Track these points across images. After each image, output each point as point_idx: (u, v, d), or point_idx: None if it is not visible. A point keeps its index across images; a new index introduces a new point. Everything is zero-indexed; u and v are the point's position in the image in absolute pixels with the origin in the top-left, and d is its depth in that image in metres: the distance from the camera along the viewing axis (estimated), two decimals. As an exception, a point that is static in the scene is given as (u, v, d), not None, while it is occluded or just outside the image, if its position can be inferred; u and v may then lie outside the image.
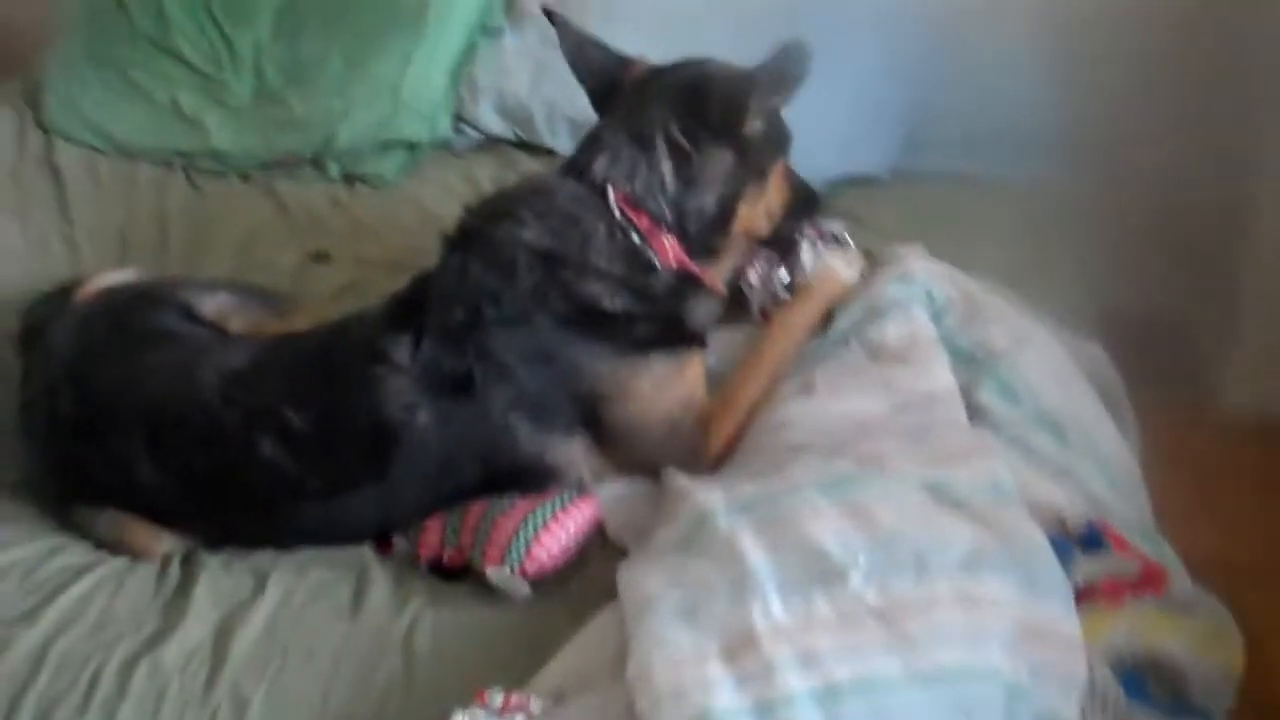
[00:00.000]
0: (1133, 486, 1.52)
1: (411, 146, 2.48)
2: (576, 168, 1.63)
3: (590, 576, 1.48)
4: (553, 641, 1.34)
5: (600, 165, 1.61)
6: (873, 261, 1.75)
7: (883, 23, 2.32)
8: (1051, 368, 1.58)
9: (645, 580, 1.28)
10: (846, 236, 1.79)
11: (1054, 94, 2.36)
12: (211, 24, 2.56)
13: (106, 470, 1.64)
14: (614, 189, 1.59)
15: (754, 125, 1.62)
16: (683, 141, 1.60)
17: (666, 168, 1.60)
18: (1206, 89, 2.33)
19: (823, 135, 2.14)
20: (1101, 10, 2.35)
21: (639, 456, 1.60)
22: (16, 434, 1.76)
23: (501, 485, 1.57)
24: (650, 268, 1.59)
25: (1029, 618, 1.14)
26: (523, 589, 1.49)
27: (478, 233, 1.62)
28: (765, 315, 1.75)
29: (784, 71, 1.60)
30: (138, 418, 1.62)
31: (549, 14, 1.78)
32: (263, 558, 1.60)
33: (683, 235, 1.62)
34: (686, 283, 1.63)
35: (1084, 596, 1.25)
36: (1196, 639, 1.26)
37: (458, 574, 1.54)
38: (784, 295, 1.74)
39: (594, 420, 1.58)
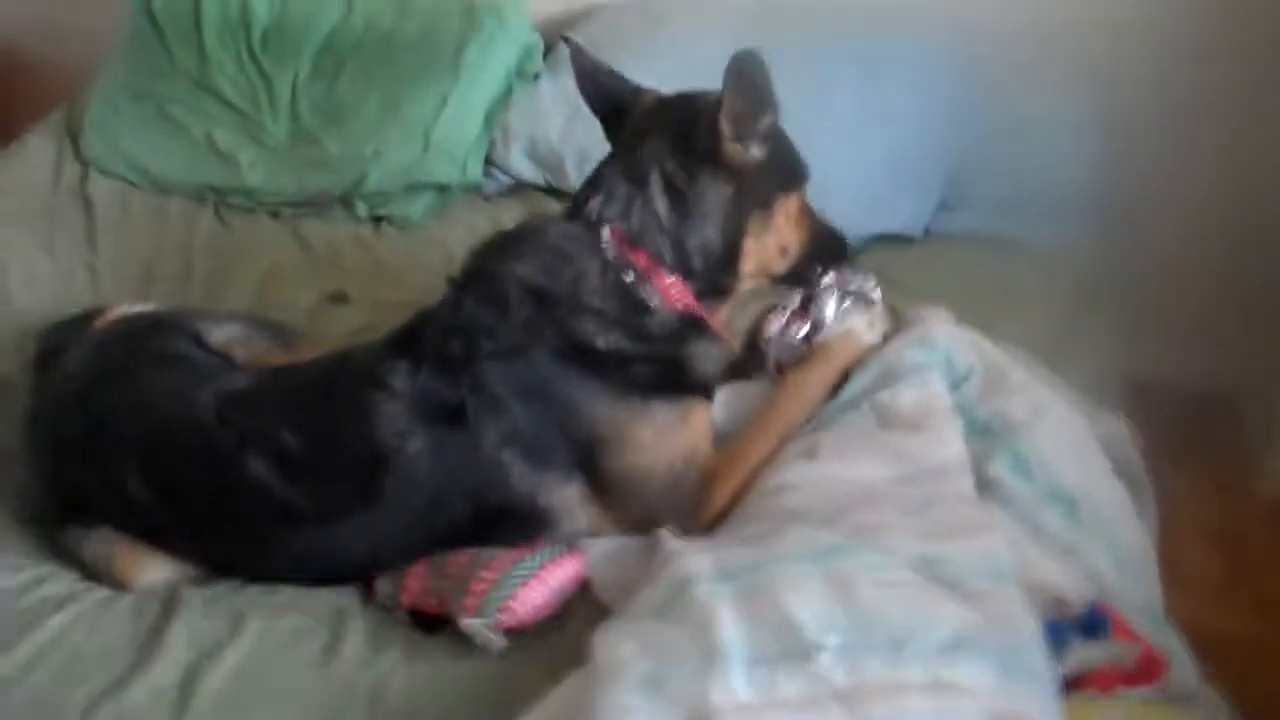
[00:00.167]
0: (1142, 567, 1.45)
1: (441, 189, 2.48)
2: (575, 206, 1.63)
3: (570, 633, 1.43)
4: (524, 699, 1.28)
5: (595, 204, 1.59)
6: (897, 320, 1.69)
7: (922, 83, 2.31)
8: (1068, 441, 1.51)
9: (619, 646, 1.23)
10: (877, 293, 1.73)
11: (1095, 156, 2.31)
12: (252, 63, 2.59)
13: (103, 488, 1.63)
14: (609, 227, 1.57)
15: (750, 152, 1.58)
16: (676, 175, 1.57)
17: (661, 204, 1.58)
18: (1253, 155, 2.28)
19: (858, 192, 2.15)
20: (1143, 76, 2.32)
21: (637, 508, 1.55)
22: (22, 455, 1.75)
23: (494, 525, 1.54)
24: (645, 308, 1.56)
25: (1002, 708, 1.07)
26: (498, 641, 1.45)
27: (477, 270, 1.62)
28: (780, 370, 1.70)
29: (743, 80, 1.53)
30: (134, 436, 1.62)
31: (566, 39, 1.80)
32: (243, 598, 1.58)
33: (688, 274, 1.59)
34: (690, 326, 1.59)
35: (1077, 684, 1.19)
36: (1189, 731, 1.19)
37: (439, 623, 1.50)
38: (801, 349, 1.68)
39: (592, 466, 1.54)
